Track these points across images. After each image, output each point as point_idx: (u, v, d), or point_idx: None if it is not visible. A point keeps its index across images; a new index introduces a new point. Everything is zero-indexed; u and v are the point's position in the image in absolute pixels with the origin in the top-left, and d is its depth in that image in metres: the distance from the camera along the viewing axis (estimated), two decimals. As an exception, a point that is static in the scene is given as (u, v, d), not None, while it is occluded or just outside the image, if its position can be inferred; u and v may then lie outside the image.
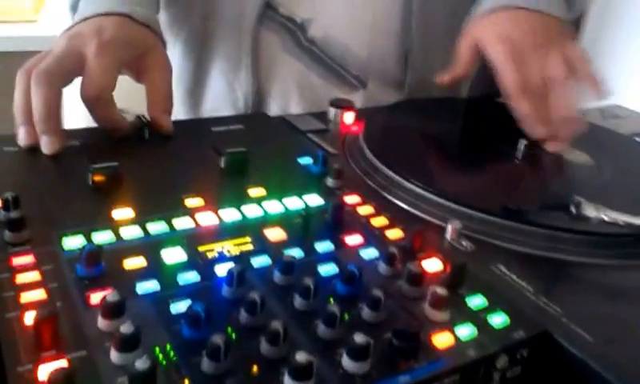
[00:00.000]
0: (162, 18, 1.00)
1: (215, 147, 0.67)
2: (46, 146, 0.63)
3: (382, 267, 0.52)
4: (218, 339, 0.38)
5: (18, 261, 0.46)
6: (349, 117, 0.84)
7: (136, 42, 0.70)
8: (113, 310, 0.41)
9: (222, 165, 0.65)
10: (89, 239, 0.50)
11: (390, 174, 0.67)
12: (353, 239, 0.56)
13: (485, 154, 0.79)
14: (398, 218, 0.61)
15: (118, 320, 0.41)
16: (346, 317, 0.44)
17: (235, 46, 0.94)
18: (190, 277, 0.48)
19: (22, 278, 0.44)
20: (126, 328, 0.38)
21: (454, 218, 0.60)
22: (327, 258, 0.53)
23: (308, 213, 0.57)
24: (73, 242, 0.50)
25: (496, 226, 0.60)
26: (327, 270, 0.51)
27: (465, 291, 0.50)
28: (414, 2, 0.93)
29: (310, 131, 0.80)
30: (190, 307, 0.42)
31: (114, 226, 0.53)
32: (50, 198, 0.56)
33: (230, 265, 0.49)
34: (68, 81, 0.66)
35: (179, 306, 0.44)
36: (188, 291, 0.46)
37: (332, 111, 0.84)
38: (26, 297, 0.43)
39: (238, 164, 0.66)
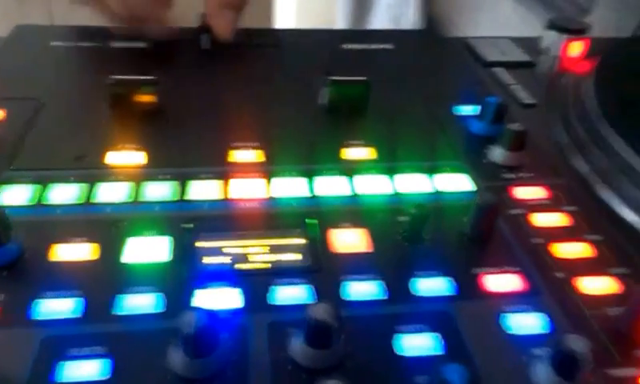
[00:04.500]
0: None
1: (329, 72, 0.42)
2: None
3: (543, 374, 0.22)
4: None
5: None
6: (576, 47, 0.51)
7: None
8: None
9: (323, 100, 0.40)
10: (39, 195, 0.31)
11: (630, 152, 0.34)
12: (500, 281, 0.27)
13: None
14: (621, 251, 0.29)
15: None
16: None
17: None
18: (139, 303, 0.25)
19: None
20: None
21: None
22: (432, 318, 0.25)
23: (424, 211, 0.29)
24: (11, 197, 0.30)
25: None
26: (422, 346, 0.24)
27: None
28: None
29: (499, 64, 0.49)
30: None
31: (92, 178, 0.32)
32: (43, 119, 0.37)
33: (233, 294, 0.26)
34: None
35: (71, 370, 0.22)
36: (114, 337, 0.24)
37: (548, 35, 0.52)
38: None
39: (348, 102, 0.40)
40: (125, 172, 0.33)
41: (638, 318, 0.24)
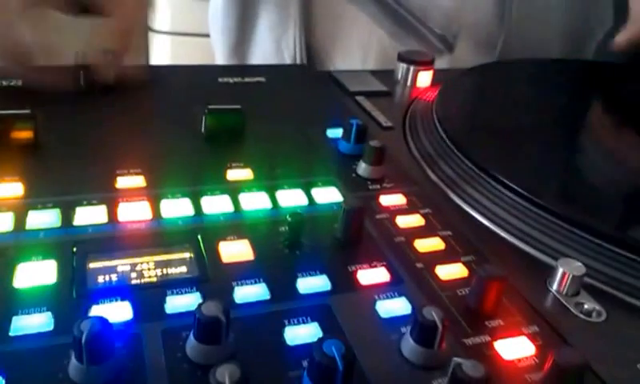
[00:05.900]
0: None
1: (209, 104, 0.44)
2: None
3: (409, 346, 0.26)
4: None
5: None
6: (424, 77, 0.58)
7: None
8: None
9: (203, 129, 0.43)
10: None
11: (466, 162, 0.40)
12: (370, 275, 0.31)
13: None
14: (467, 242, 0.35)
15: None
16: None
17: None
18: (30, 323, 0.26)
19: None
20: None
21: (575, 253, 0.33)
22: (313, 311, 0.28)
23: (299, 218, 0.32)
24: None
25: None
26: (305, 335, 0.27)
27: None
28: None
29: (361, 93, 0.55)
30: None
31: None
32: None
33: (123, 307, 0.27)
34: None
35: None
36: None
37: (401, 68, 0.59)
38: None
39: (225, 129, 0.43)
40: (6, 203, 0.33)
41: (481, 295, 0.29)
